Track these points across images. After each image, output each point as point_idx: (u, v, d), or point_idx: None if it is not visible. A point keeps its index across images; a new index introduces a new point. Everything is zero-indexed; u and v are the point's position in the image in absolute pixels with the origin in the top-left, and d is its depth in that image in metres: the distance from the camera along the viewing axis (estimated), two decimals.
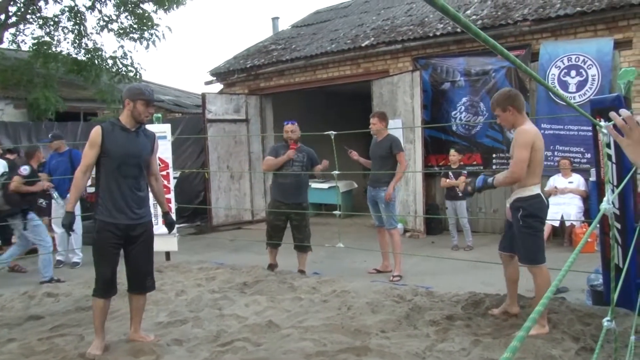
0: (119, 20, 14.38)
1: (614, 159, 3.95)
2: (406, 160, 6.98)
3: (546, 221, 7.23)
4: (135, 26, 14.16)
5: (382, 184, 6.19)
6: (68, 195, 5.61)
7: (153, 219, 7.04)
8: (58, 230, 7.33)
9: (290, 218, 6.10)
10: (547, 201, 4.24)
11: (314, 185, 11.85)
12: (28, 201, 6.48)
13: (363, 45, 10.14)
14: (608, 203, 2.17)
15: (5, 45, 14.11)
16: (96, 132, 3.81)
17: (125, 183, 3.84)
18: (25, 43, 14.67)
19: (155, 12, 14.11)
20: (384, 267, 6.45)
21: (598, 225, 4.12)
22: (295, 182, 6.06)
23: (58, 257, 7.39)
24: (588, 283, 4.69)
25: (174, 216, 5.48)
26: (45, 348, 3.95)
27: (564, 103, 7.72)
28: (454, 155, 7.83)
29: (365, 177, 15.10)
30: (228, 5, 58.99)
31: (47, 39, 13.83)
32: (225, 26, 60.23)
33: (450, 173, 7.71)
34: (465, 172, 7.83)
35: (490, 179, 4.16)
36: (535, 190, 4.00)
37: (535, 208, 3.98)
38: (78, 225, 7.09)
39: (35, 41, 13.53)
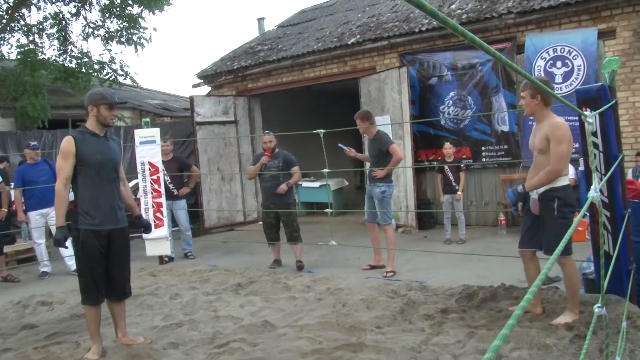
0: (105, 26, 14.29)
1: (600, 148, 3.98)
2: (401, 150, 7.01)
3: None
4: (122, 30, 14.05)
5: (377, 180, 6.23)
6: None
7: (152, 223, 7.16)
8: (38, 240, 7.22)
9: (279, 215, 6.70)
10: None
11: (305, 184, 11.87)
12: None
13: (349, 42, 10.15)
14: (595, 191, 2.20)
15: None
16: (68, 142, 3.76)
17: (108, 187, 3.88)
18: (11, 52, 14.55)
19: (141, 14, 13.99)
20: (376, 262, 6.47)
21: (587, 214, 4.16)
22: (274, 184, 6.69)
23: (43, 269, 7.25)
24: (580, 271, 4.72)
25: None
26: (41, 357, 3.93)
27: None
28: (449, 148, 7.81)
29: (355, 175, 15.05)
30: (213, 7, 58.87)
31: (32, 46, 13.70)
32: (211, 28, 60.07)
33: (446, 167, 7.69)
34: (463, 165, 7.86)
35: (520, 188, 4.09)
36: (566, 180, 3.97)
37: (570, 198, 3.97)
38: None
39: (20, 50, 13.40)
